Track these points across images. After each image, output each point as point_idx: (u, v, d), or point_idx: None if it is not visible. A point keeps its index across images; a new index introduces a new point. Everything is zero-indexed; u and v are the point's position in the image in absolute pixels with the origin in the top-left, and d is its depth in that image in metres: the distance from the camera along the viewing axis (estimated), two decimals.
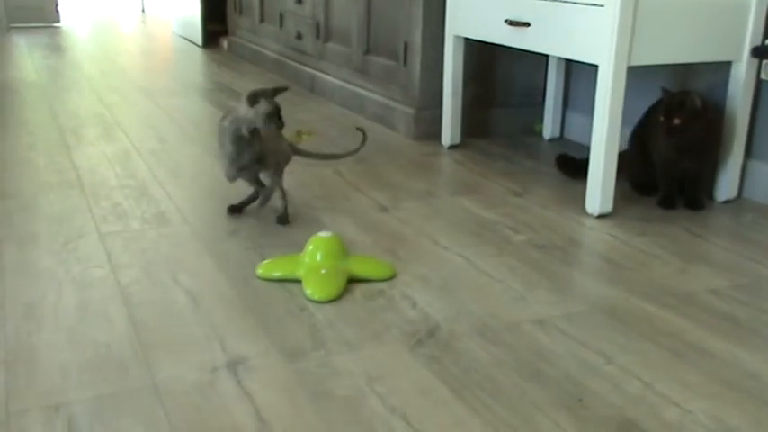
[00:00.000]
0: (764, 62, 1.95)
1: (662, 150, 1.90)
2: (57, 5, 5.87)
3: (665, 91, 1.88)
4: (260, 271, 1.51)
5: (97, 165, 2.25)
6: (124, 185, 2.07)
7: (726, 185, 2.02)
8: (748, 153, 2.04)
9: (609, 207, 1.90)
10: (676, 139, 1.84)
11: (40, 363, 1.19)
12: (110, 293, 1.43)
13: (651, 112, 2.00)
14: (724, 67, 2.08)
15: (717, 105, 2.03)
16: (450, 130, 2.51)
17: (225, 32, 5.02)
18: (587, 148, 2.46)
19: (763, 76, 1.97)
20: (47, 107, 3.03)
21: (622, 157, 1.95)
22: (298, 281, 1.48)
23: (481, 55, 2.67)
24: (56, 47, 4.78)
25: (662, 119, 1.84)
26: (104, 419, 1.05)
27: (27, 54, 4.43)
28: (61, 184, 2.06)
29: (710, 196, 2.04)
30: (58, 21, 5.90)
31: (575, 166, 2.21)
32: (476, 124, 2.70)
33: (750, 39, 1.92)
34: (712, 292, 1.49)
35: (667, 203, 1.94)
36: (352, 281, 1.48)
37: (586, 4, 1.84)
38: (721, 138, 1.98)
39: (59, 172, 2.18)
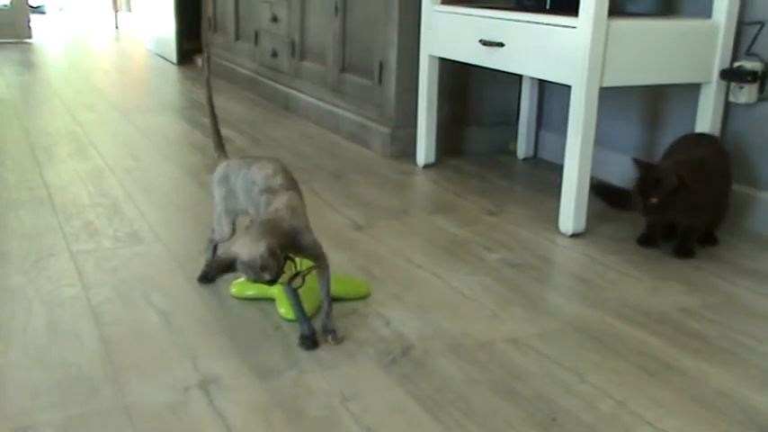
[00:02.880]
0: (733, 85, 1.99)
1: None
2: (29, 21, 5.83)
3: (637, 163, 1.72)
4: (233, 290, 1.50)
5: (69, 183, 2.23)
6: (96, 203, 2.05)
7: None
8: None
9: (582, 226, 1.91)
10: (657, 216, 1.73)
11: (7, 384, 1.17)
12: (81, 313, 1.41)
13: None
14: (693, 89, 2.11)
15: (721, 151, 1.84)
16: (424, 148, 2.52)
17: (200, 50, 5.02)
18: (560, 168, 2.48)
19: (731, 99, 2.00)
20: (18, 124, 3.00)
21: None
22: (271, 300, 1.47)
23: (456, 75, 2.69)
24: (28, 63, 4.74)
25: (637, 195, 1.70)
26: None
27: None
28: (32, 202, 2.04)
29: None
30: (30, 37, 5.86)
31: (613, 195, 2.08)
32: (450, 143, 2.72)
33: (719, 61, 1.95)
34: (684, 310, 1.51)
35: (646, 243, 1.85)
36: None
37: (559, 26, 1.86)
38: (725, 190, 1.83)
39: (30, 189, 2.15)
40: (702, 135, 1.91)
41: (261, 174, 1.35)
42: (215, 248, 1.57)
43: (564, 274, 1.68)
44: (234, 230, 1.48)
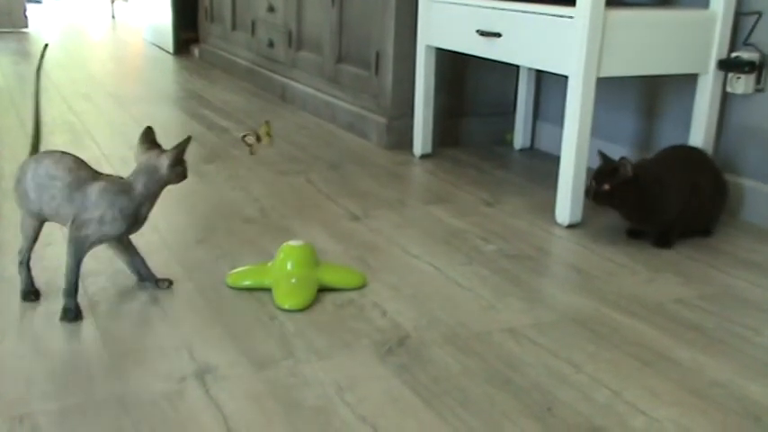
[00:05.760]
0: (730, 75, 1.98)
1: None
2: (25, 10, 5.80)
3: (602, 156, 1.78)
4: (229, 280, 1.50)
5: None
6: None
7: None
8: None
9: (578, 217, 1.91)
10: (605, 205, 1.76)
11: (3, 373, 1.17)
12: None
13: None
14: (691, 80, 2.11)
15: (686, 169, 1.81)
16: (421, 139, 2.52)
17: (196, 40, 5.00)
18: (557, 159, 2.48)
19: (728, 89, 2.00)
20: (14, 113, 2.99)
21: None
22: (268, 290, 1.47)
23: (453, 65, 2.68)
24: (24, 52, 4.72)
25: (593, 182, 1.75)
26: (69, 431, 1.04)
27: None
28: None
29: None
30: (27, 26, 5.83)
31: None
32: (447, 134, 2.71)
33: (716, 52, 1.95)
34: (679, 301, 1.51)
35: (635, 234, 1.85)
36: (323, 290, 1.48)
37: (556, 16, 1.86)
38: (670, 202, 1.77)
39: None
40: (684, 147, 1.91)
41: (60, 167, 1.32)
42: (28, 260, 1.41)
43: (560, 265, 1.68)
44: (36, 236, 1.38)
